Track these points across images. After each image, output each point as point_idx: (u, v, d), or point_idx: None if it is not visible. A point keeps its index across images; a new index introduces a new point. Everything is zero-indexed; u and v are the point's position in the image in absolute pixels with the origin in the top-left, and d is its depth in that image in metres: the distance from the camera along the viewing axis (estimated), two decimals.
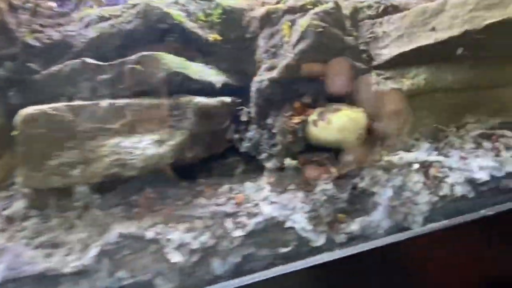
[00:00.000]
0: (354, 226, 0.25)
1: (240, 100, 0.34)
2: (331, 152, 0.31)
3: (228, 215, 0.24)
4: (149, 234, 0.23)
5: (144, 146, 0.24)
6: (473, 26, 0.32)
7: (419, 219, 0.26)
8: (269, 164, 0.29)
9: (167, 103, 0.26)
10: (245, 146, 0.30)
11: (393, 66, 0.41)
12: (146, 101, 0.27)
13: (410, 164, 0.28)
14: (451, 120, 0.39)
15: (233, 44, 0.37)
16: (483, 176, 0.28)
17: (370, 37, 0.44)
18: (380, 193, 0.27)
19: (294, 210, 0.25)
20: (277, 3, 0.39)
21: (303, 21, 0.31)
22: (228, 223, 0.24)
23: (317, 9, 0.32)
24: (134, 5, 0.34)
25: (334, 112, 0.28)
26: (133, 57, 0.27)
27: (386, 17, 0.44)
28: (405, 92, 0.37)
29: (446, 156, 0.33)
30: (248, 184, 0.28)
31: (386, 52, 0.41)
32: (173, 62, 0.28)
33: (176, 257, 0.22)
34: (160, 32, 0.33)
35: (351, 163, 0.28)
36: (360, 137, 0.28)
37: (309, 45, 0.30)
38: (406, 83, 0.38)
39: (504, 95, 0.39)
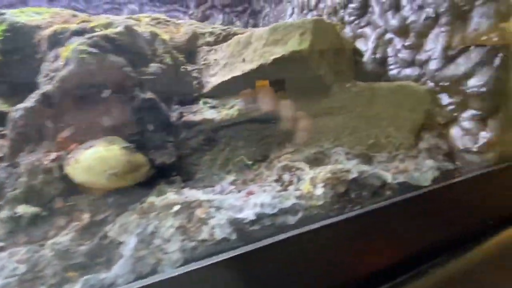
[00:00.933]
0: (78, 286, 0.21)
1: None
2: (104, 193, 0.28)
3: None
4: None
5: None
6: (265, 61, 0.33)
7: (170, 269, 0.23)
8: (2, 213, 0.24)
9: None
10: None
11: (219, 95, 0.40)
12: None
13: (172, 205, 0.26)
14: (270, 150, 0.39)
15: (18, 65, 0.33)
16: (249, 215, 0.26)
17: (204, 64, 0.43)
18: (126, 243, 0.24)
19: None
20: (82, 22, 0.36)
21: (71, 46, 0.28)
22: None
23: (95, 33, 0.29)
24: None
25: (86, 150, 0.25)
26: None
27: (219, 45, 0.43)
28: (218, 122, 0.36)
29: (239, 191, 0.32)
30: None
31: (213, 80, 0.40)
32: None
33: None
34: None
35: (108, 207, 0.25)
36: (114, 179, 0.25)
37: (71, 71, 0.27)
38: (222, 113, 0.37)
39: (324, 124, 0.41)
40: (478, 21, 0.34)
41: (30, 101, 0.26)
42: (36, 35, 0.33)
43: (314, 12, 0.69)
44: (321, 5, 0.65)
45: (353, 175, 0.33)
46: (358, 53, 0.52)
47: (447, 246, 0.31)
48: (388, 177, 0.34)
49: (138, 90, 0.30)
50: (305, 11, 0.72)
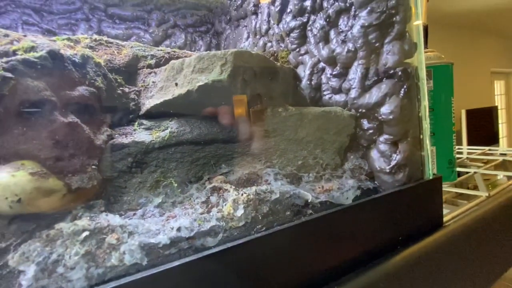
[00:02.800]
0: None
1: None
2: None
3: None
4: None
5: None
6: (192, 87, 0.35)
7: None
8: None
9: None
10: None
11: (155, 117, 0.41)
12: None
13: (81, 232, 0.26)
14: (206, 171, 0.40)
15: None
16: (163, 239, 0.27)
17: (142, 86, 0.44)
18: (26, 272, 0.23)
19: None
20: (8, 43, 0.36)
21: None
22: None
23: (14, 57, 0.29)
24: None
25: None
26: None
27: (159, 68, 0.45)
28: (148, 144, 0.37)
29: (160, 215, 0.32)
30: None
31: (149, 102, 0.41)
32: None
33: None
34: None
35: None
36: (19, 206, 0.25)
37: None
38: (154, 135, 0.38)
39: (257, 146, 0.43)
40: (387, 56, 0.39)
41: None
42: None
43: (265, 38, 0.73)
44: (271, 32, 0.69)
45: (276, 195, 0.35)
46: (298, 79, 0.56)
47: (357, 263, 0.33)
48: (310, 196, 0.36)
49: (58, 114, 0.30)
50: (257, 36, 0.77)
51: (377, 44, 0.40)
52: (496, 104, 4.31)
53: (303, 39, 0.56)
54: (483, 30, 3.94)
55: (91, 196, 0.32)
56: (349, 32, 0.43)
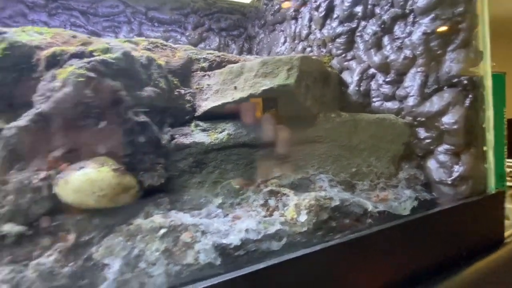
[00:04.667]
0: None
1: None
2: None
3: None
4: None
5: None
6: (255, 91, 0.35)
7: None
8: None
9: None
10: None
11: (210, 119, 0.42)
12: None
13: (158, 229, 0.26)
14: (259, 174, 0.40)
15: (15, 84, 0.33)
16: (234, 240, 0.27)
17: (197, 89, 0.45)
18: (110, 265, 0.24)
19: None
20: (81, 44, 0.38)
21: (69, 68, 0.29)
22: None
23: (94, 58, 0.31)
24: None
25: (76, 171, 0.26)
26: None
27: (213, 71, 0.46)
28: (207, 146, 0.37)
29: (225, 215, 0.32)
30: None
31: (205, 104, 0.42)
32: None
33: None
34: None
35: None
36: (103, 201, 0.26)
37: (67, 93, 0.28)
38: (212, 137, 0.39)
39: (310, 151, 0.43)
40: (450, 64, 0.38)
41: (24, 120, 0.27)
42: (35, 55, 0.35)
43: (305, 43, 0.73)
44: (312, 37, 0.69)
45: (336, 202, 0.35)
46: (343, 84, 0.55)
47: (423, 276, 0.32)
48: (369, 205, 0.35)
49: (132, 113, 0.31)
50: (296, 41, 0.77)
51: (439, 52, 0.39)
52: None
53: (350, 44, 0.56)
54: None
55: (158, 193, 0.33)
56: (406, 39, 0.42)
